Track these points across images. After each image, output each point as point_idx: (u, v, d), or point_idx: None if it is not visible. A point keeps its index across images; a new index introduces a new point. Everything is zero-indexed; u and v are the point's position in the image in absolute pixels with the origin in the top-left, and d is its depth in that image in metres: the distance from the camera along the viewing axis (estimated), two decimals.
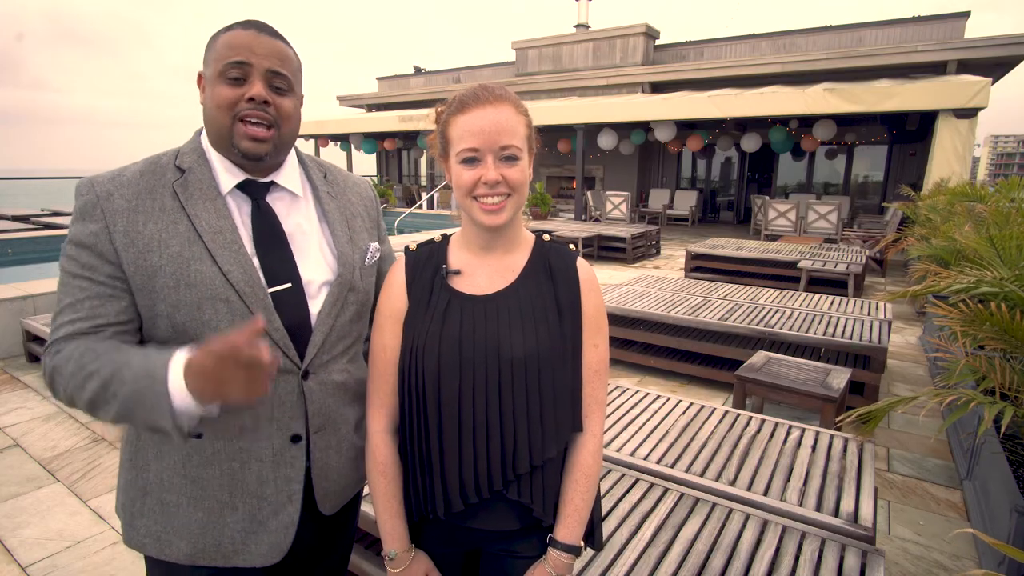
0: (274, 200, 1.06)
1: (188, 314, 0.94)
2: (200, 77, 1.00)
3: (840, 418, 2.45)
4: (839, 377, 3.23)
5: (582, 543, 1.06)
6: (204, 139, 1.03)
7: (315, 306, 1.05)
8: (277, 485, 1.03)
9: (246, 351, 0.75)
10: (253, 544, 1.02)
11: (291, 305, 1.02)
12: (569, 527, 1.03)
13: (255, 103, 0.95)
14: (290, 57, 1.00)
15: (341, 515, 1.21)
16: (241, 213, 1.02)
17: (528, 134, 1.00)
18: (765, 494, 1.88)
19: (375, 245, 1.18)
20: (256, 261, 1.00)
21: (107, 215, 0.94)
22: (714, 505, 1.81)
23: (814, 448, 2.18)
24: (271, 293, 0.99)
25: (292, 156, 1.10)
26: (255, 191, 1.04)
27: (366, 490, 1.65)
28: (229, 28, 0.98)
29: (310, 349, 1.04)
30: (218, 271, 0.95)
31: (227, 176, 1.01)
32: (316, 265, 1.06)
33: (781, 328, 4.00)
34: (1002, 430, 1.98)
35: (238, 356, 0.75)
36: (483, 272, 1.05)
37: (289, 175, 1.08)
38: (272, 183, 1.05)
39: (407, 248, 1.10)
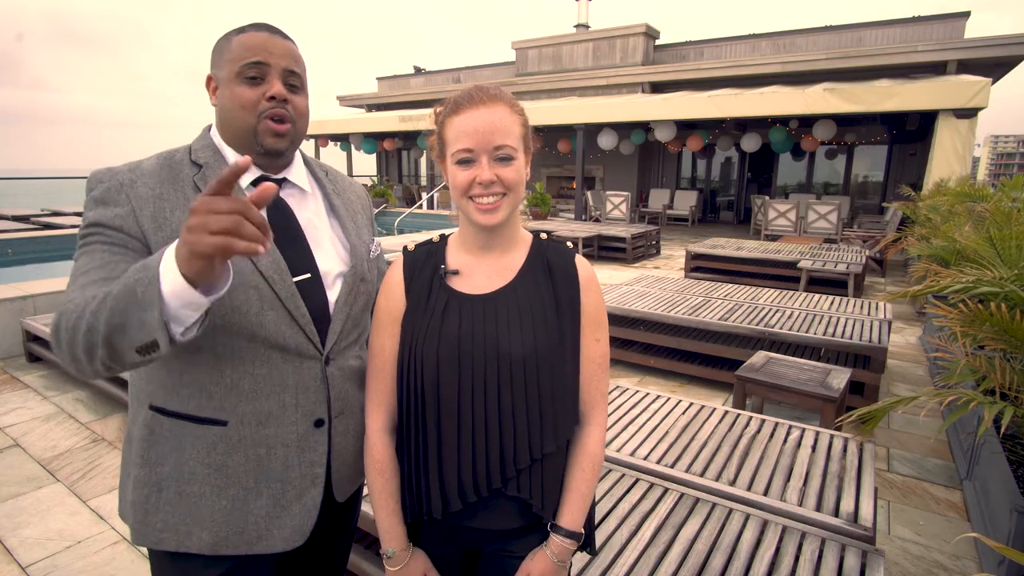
0: (286, 196, 1.09)
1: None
2: (209, 79, 1.03)
3: (840, 418, 2.45)
4: (839, 377, 3.23)
5: (583, 531, 1.06)
6: (215, 136, 1.06)
7: (332, 295, 1.09)
8: (301, 469, 1.06)
9: (225, 186, 0.69)
10: (276, 529, 1.04)
11: (312, 294, 1.05)
12: (573, 512, 1.04)
13: (276, 101, 0.99)
14: (300, 57, 1.05)
15: (347, 504, 1.23)
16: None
17: (524, 134, 1.00)
18: (765, 494, 1.88)
19: (377, 240, 1.24)
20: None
21: (133, 200, 0.95)
22: (714, 505, 1.81)
23: (814, 448, 2.18)
24: (295, 282, 1.02)
25: (298, 155, 1.14)
26: None
27: (366, 490, 1.65)
28: (241, 30, 1.01)
29: (330, 336, 1.07)
30: (248, 259, 0.97)
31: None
32: (330, 257, 1.11)
33: (781, 328, 4.00)
34: (1002, 430, 1.98)
35: (220, 189, 0.69)
36: (481, 272, 1.05)
37: (298, 172, 1.12)
38: (284, 180, 1.09)
39: (405, 248, 1.11)
